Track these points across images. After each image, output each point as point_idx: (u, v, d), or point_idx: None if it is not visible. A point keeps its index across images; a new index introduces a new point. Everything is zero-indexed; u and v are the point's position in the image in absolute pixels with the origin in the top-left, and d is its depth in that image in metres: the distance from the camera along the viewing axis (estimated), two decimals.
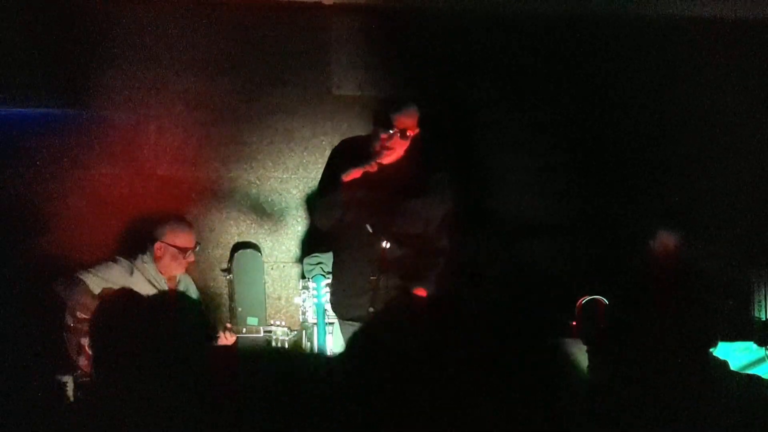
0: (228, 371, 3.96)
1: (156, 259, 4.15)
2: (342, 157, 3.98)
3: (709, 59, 4.91)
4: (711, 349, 3.27)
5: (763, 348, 4.32)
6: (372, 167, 3.83)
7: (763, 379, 2.75)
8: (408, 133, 3.82)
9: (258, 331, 4.33)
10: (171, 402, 2.48)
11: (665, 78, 5.01)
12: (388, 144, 3.81)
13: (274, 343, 4.45)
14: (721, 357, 3.44)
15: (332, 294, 4.15)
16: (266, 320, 4.58)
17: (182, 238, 4.20)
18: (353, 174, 3.84)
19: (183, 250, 4.18)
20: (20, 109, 4.62)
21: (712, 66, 4.94)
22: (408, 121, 3.83)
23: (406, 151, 3.88)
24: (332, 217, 3.91)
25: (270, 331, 4.42)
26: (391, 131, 3.79)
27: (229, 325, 4.23)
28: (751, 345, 4.33)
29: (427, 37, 4.90)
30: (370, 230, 3.78)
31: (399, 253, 3.81)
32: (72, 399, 3.66)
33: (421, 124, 3.89)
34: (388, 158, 3.86)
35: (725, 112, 4.94)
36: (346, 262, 3.97)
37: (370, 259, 3.80)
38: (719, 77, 4.94)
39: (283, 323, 4.40)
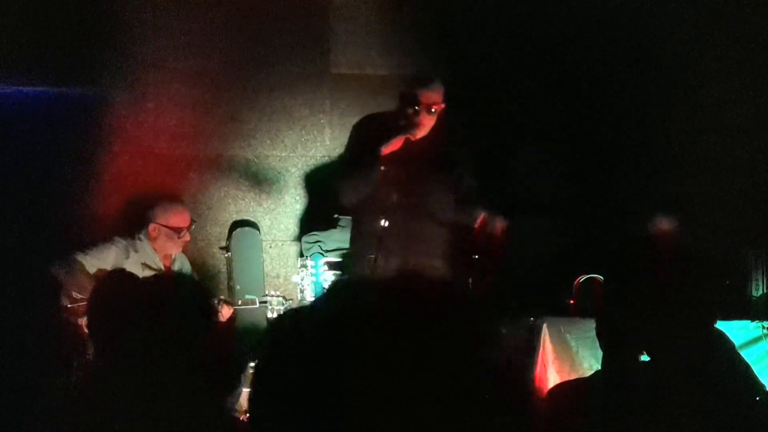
0: (226, 346, 3.99)
1: (151, 240, 4.17)
2: (372, 132, 3.88)
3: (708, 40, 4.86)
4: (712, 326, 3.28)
5: (760, 326, 4.32)
6: (413, 135, 3.74)
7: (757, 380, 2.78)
8: (434, 109, 3.76)
9: (254, 303, 4.37)
10: (169, 379, 2.50)
11: (664, 60, 4.96)
12: (416, 120, 3.76)
13: (270, 314, 4.47)
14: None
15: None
16: None
17: (176, 218, 4.21)
18: (392, 146, 3.75)
19: (177, 230, 4.19)
20: (14, 88, 4.61)
21: (709, 47, 4.89)
22: (434, 97, 3.78)
23: (432, 128, 3.83)
24: (364, 192, 3.82)
25: (266, 302, 4.45)
26: (417, 108, 3.74)
27: (223, 297, 4.27)
28: (748, 323, 4.33)
29: (425, 14, 4.87)
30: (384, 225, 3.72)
31: (400, 232, 3.80)
32: (70, 379, 3.68)
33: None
34: (418, 135, 3.79)
35: (724, 93, 4.90)
36: (357, 238, 3.99)
37: (371, 237, 3.78)
38: (718, 60, 4.88)
39: (279, 293, 4.43)
